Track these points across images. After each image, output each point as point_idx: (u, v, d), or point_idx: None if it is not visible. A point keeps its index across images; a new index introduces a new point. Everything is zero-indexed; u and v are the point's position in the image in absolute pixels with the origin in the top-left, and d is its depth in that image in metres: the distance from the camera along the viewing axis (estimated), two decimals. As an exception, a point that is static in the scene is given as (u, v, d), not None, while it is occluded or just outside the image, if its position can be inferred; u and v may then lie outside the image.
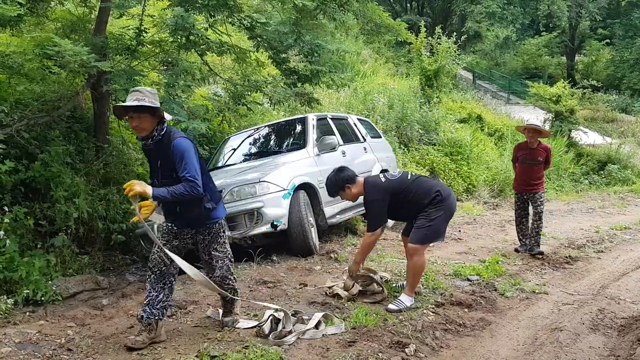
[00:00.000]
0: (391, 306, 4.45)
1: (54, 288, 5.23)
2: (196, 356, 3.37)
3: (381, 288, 4.81)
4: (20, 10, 5.31)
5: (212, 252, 3.86)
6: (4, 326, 4.30)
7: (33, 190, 6.11)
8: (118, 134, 7.52)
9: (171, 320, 4.25)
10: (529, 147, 6.88)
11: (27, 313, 4.79)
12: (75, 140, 7.01)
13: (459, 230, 8.46)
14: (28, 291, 4.99)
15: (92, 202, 6.36)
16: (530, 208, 6.92)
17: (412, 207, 4.62)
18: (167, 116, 3.62)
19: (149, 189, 3.47)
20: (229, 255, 3.97)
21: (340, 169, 4.85)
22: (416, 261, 4.52)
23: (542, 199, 6.84)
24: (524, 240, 6.94)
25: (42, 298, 5.04)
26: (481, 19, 31.62)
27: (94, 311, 4.67)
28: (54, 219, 5.95)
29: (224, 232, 3.92)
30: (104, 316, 4.49)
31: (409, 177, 4.74)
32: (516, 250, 6.93)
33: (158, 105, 3.55)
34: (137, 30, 6.70)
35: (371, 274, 4.90)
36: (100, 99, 6.97)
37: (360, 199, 4.90)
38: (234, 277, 4.06)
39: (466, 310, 4.63)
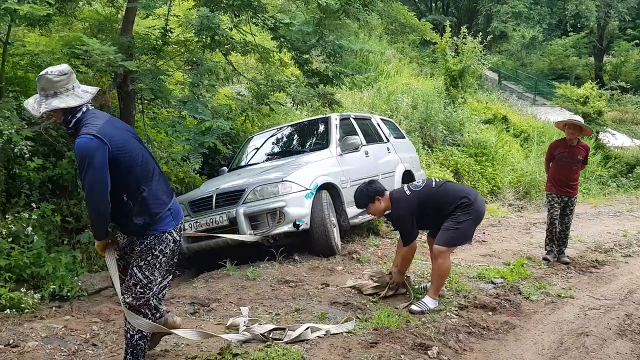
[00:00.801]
0: (414, 307, 4.42)
1: (79, 284, 5.31)
2: (219, 354, 3.38)
3: (405, 290, 4.82)
4: (49, 10, 5.39)
5: (133, 267, 3.03)
6: (31, 320, 4.38)
7: (60, 187, 6.21)
8: (143, 132, 7.60)
9: (194, 317, 4.29)
10: (568, 144, 6.49)
11: (54, 308, 4.87)
12: (102, 138, 7.10)
13: (483, 233, 8.36)
14: (54, 286, 5.08)
15: (117, 200, 6.42)
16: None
17: (439, 214, 4.55)
18: (74, 101, 2.89)
19: (96, 245, 3.11)
20: (150, 285, 3.03)
21: (371, 182, 4.89)
22: (441, 264, 4.47)
23: (574, 206, 6.59)
24: (552, 247, 6.56)
25: (68, 293, 5.12)
26: (507, 18, 31.21)
27: (118, 307, 4.70)
28: (80, 215, 6.04)
29: (162, 252, 3.02)
30: (128, 312, 4.53)
31: (433, 185, 4.67)
32: (545, 259, 6.47)
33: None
34: (162, 30, 6.77)
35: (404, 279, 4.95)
36: (126, 98, 7.05)
37: None
38: (147, 311, 3.12)
39: (490, 313, 4.58)
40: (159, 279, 3.10)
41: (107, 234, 3.06)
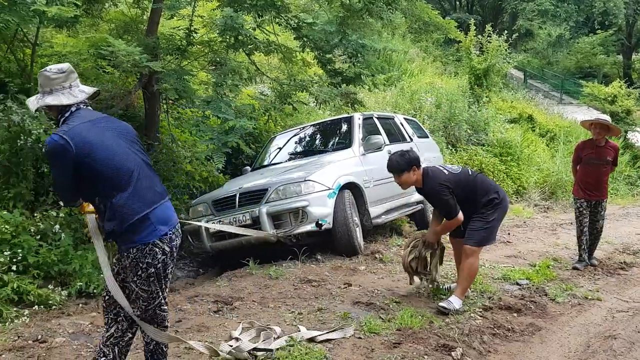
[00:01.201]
0: (443, 304, 4.36)
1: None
2: (242, 352, 3.40)
3: (431, 275, 4.90)
4: (76, 11, 5.49)
5: (130, 283, 2.85)
6: (58, 317, 4.47)
7: (87, 186, 6.29)
8: (168, 132, 7.69)
9: (217, 315, 4.32)
10: (595, 145, 6.17)
11: (80, 305, 4.96)
12: (127, 138, 7.20)
13: (508, 233, 8.26)
14: (81, 283, 5.16)
15: (142, 199, 6.50)
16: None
17: (470, 205, 4.47)
18: (67, 99, 2.84)
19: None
20: (153, 296, 2.86)
21: (410, 150, 4.69)
22: (472, 263, 4.43)
23: (604, 210, 6.27)
24: (584, 256, 6.24)
25: (94, 290, 5.20)
26: (533, 16, 30.73)
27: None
28: (106, 214, 6.12)
29: (151, 265, 2.79)
30: (152, 310, 4.58)
31: (470, 173, 4.63)
32: (575, 268, 6.13)
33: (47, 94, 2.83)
34: (187, 31, 6.84)
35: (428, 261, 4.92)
36: (151, 98, 7.14)
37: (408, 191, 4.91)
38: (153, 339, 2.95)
39: (515, 314, 4.52)
40: (163, 287, 2.89)
41: (78, 202, 3.00)
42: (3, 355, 3.50)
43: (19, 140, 5.29)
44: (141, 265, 2.77)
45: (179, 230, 2.96)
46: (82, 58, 6.70)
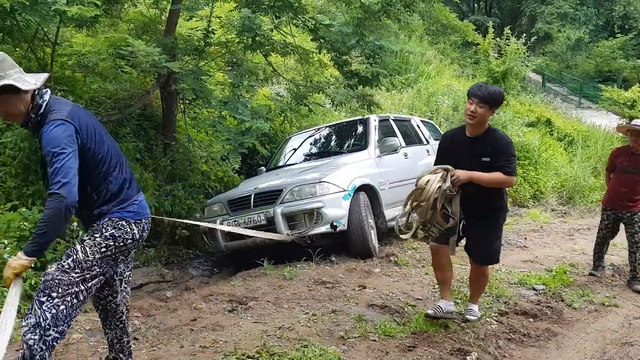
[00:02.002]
0: (469, 316, 4.30)
1: (121, 279, 5.43)
2: (257, 352, 3.40)
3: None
4: (96, 11, 5.55)
5: (76, 242, 2.70)
6: (75, 313, 4.50)
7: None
8: (184, 132, 7.74)
9: (232, 315, 4.33)
10: (631, 152, 5.68)
11: (97, 302, 4.99)
12: (145, 137, 7.28)
13: (525, 238, 8.18)
14: (97, 281, 5.20)
15: (159, 198, 6.57)
16: (622, 231, 5.86)
17: (481, 201, 3.94)
18: (29, 84, 2.52)
19: (19, 263, 2.47)
20: (83, 275, 2.60)
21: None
22: (487, 276, 4.38)
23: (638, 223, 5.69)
24: (600, 262, 6.06)
25: (111, 288, 5.24)
26: (552, 19, 30.49)
27: (159, 302, 4.82)
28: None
29: (113, 237, 2.66)
30: (168, 308, 4.62)
31: None
32: (591, 274, 5.97)
33: (16, 78, 2.51)
34: (205, 32, 6.88)
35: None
36: (169, 98, 7.20)
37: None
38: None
39: (531, 320, 4.47)
40: (97, 270, 2.63)
41: (43, 250, 2.59)
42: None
43: (38, 138, 5.34)
44: (104, 231, 2.63)
45: (150, 223, 2.90)
46: (101, 58, 6.76)
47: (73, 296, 2.57)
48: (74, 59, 6.87)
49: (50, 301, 2.51)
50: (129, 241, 2.72)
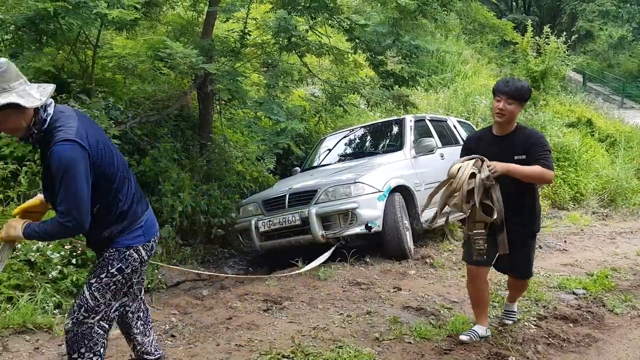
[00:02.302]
0: (508, 321, 4.20)
1: (159, 277, 5.53)
2: (292, 352, 3.41)
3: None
4: (136, 14, 5.66)
5: (84, 285, 2.64)
6: (114, 310, 4.60)
7: (143, 183, 6.49)
8: (220, 132, 7.83)
9: (267, 314, 4.35)
10: None
11: (135, 299, 5.09)
12: (182, 137, 7.39)
13: (565, 241, 7.98)
14: (136, 278, 5.30)
15: (195, 197, 6.65)
16: None
17: (516, 195, 3.60)
18: (34, 100, 2.35)
19: (16, 234, 2.50)
20: (100, 315, 2.58)
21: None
22: (525, 285, 4.22)
23: None
24: None
25: (149, 285, 5.34)
26: (593, 17, 29.68)
27: (195, 301, 4.88)
28: (161, 211, 6.29)
29: (121, 271, 2.58)
30: (204, 306, 4.67)
31: None
32: None
33: (16, 93, 2.31)
34: (241, 33, 6.94)
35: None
36: (205, 98, 7.29)
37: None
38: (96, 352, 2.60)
39: (571, 325, 4.35)
40: (113, 303, 2.61)
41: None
42: (62, 345, 3.63)
43: (80, 139, 5.47)
44: (110, 268, 2.55)
45: (158, 237, 2.81)
46: (140, 60, 6.90)
47: (99, 336, 2.59)
48: (114, 61, 7.02)
49: (82, 357, 2.56)
50: (137, 265, 2.64)
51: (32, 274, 4.46)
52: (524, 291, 4.33)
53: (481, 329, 3.83)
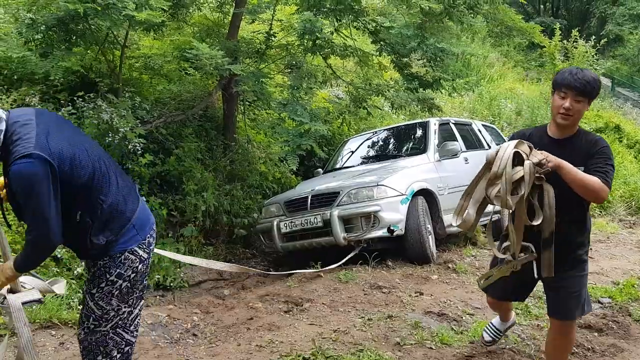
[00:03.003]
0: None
1: (181, 275, 5.59)
2: (312, 354, 3.41)
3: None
4: (163, 16, 5.73)
5: (86, 294, 2.48)
6: (137, 307, 4.66)
7: (167, 182, 6.57)
8: (244, 133, 7.87)
9: (288, 315, 4.36)
10: None
11: (158, 297, 5.16)
12: (206, 137, 7.45)
13: (591, 249, 7.81)
14: (159, 276, 5.37)
15: (218, 197, 6.70)
16: None
17: (575, 215, 2.95)
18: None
19: (7, 275, 2.31)
20: (113, 321, 2.46)
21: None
22: (572, 341, 3.26)
23: None
24: None
25: (171, 284, 5.40)
26: (624, 21, 29.11)
27: (217, 300, 4.92)
28: (184, 210, 6.35)
29: (121, 276, 2.42)
30: (225, 306, 4.70)
31: None
32: None
33: None
34: (266, 34, 6.97)
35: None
36: (230, 99, 7.34)
37: None
38: None
39: (596, 334, 4.28)
40: (125, 308, 2.47)
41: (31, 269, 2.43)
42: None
43: (107, 137, 5.57)
44: (108, 276, 2.39)
45: (155, 229, 2.61)
46: (167, 60, 6.98)
47: (115, 342, 2.47)
48: (141, 61, 7.11)
49: None
50: (138, 266, 2.46)
51: (58, 270, 4.54)
52: (568, 352, 3.24)
53: (497, 321, 3.55)
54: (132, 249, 2.41)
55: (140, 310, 2.58)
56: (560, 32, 15.46)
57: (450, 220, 6.51)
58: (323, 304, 4.64)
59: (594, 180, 2.76)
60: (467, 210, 2.87)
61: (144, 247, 2.47)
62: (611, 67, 26.77)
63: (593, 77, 2.85)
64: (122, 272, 2.39)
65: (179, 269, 5.63)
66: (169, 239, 6.07)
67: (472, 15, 7.12)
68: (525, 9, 31.49)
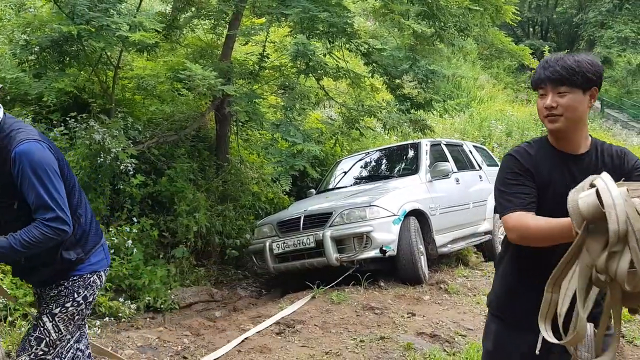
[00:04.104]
0: None
1: (172, 297, 5.53)
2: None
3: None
4: (157, 38, 5.77)
5: (43, 315, 2.28)
6: (127, 329, 4.61)
7: (159, 203, 6.54)
8: (237, 153, 7.89)
9: (279, 337, 4.32)
10: None
11: (148, 319, 5.10)
12: (198, 158, 7.46)
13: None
14: (149, 298, 5.32)
15: (210, 217, 6.68)
16: None
17: None
18: None
19: None
20: (58, 350, 2.27)
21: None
22: None
23: None
24: None
25: (162, 306, 5.34)
26: (612, 44, 29.59)
27: (208, 322, 4.87)
28: (175, 231, 6.32)
29: (85, 300, 2.31)
30: (216, 328, 4.66)
31: None
32: None
33: None
34: (259, 56, 7.02)
35: None
36: (223, 120, 7.36)
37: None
38: None
39: (590, 356, 4.26)
40: (69, 338, 2.31)
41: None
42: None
43: (98, 158, 5.56)
44: (75, 296, 2.26)
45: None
46: (160, 81, 7.01)
47: None
48: (134, 82, 7.14)
49: None
50: (96, 294, 2.38)
51: None
52: None
53: None
54: (99, 272, 2.35)
55: (74, 342, 2.38)
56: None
57: (442, 240, 6.56)
58: (315, 325, 4.60)
59: None
60: (577, 315, 1.60)
61: (105, 274, 2.41)
62: (600, 89, 27.16)
63: (576, 59, 2.09)
64: (88, 295, 2.30)
65: (169, 291, 5.59)
66: (160, 260, 6.03)
67: (462, 37, 7.23)
68: (514, 31, 31.97)
